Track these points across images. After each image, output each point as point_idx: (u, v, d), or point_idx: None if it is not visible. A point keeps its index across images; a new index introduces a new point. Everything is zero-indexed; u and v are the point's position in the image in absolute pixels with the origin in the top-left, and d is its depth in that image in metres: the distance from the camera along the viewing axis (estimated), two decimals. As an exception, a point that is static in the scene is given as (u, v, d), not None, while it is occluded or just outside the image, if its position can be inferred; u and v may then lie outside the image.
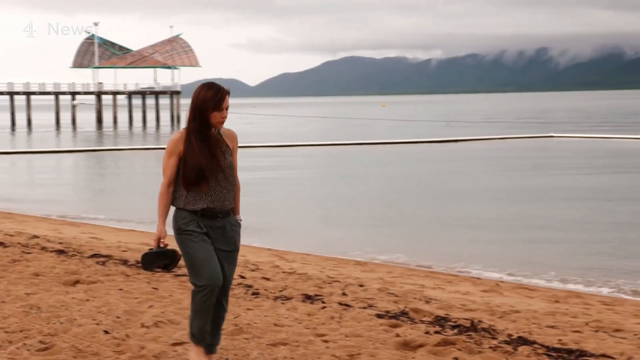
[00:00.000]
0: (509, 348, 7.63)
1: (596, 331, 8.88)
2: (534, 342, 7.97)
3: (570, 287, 13.08)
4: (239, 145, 6.45)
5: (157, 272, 6.49)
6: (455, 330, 8.33)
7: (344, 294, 10.37)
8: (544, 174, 31.81)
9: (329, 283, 11.26)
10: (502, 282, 13.10)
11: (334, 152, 46.44)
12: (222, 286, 6.14)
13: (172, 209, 6.13)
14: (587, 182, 28.37)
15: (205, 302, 6.02)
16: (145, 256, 6.09)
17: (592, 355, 7.58)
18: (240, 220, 6.20)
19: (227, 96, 5.96)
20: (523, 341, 8.00)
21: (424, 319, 8.90)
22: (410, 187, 28.68)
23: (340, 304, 9.58)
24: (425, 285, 12.00)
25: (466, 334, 8.18)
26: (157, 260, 6.04)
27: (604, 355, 7.57)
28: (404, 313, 9.15)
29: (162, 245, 6.03)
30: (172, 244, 6.10)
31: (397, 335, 7.88)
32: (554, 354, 7.54)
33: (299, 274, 12.19)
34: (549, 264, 14.77)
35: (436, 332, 8.11)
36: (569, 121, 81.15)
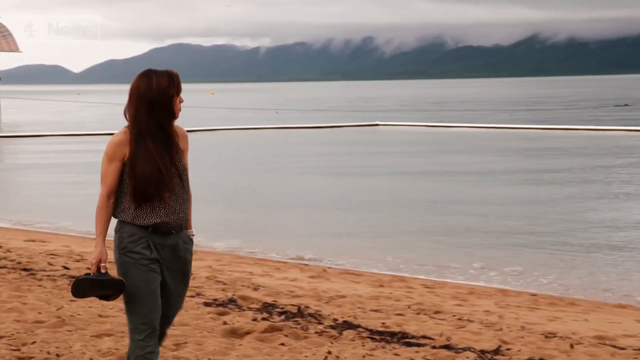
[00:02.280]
0: (334, 332, 7.78)
1: (418, 313, 9.17)
2: (358, 326, 8.15)
3: (395, 272, 13.40)
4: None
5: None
6: (283, 317, 8.42)
7: (171, 283, 10.28)
8: (371, 161, 32.49)
9: (156, 272, 11.14)
10: (329, 268, 13.30)
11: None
12: (164, 315, 5.13)
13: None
14: (411, 170, 29.15)
15: (145, 347, 4.99)
16: (81, 282, 4.92)
17: (413, 337, 7.82)
18: (193, 235, 5.32)
19: None
20: (348, 325, 8.17)
21: (251, 306, 8.94)
22: (240, 173, 28.69)
23: (167, 293, 9.49)
24: (253, 273, 12.05)
25: (293, 319, 8.28)
26: (97, 289, 4.91)
27: (424, 337, 7.83)
28: (231, 301, 9.17)
29: (102, 271, 4.92)
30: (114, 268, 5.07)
31: (225, 323, 7.90)
32: (377, 337, 7.74)
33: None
34: (375, 250, 15.10)
35: (263, 319, 8.17)
36: (393, 109, 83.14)
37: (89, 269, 5.15)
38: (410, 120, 59.14)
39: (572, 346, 7.70)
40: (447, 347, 7.46)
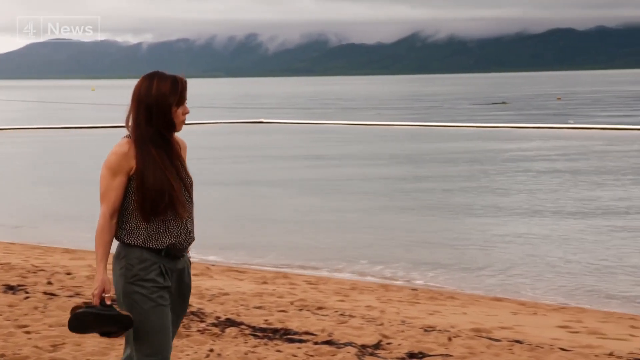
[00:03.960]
0: (216, 330, 7.76)
1: (300, 310, 9.22)
2: (241, 323, 8.15)
3: (278, 268, 13.42)
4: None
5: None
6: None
7: (49, 283, 10.08)
8: (256, 158, 32.49)
9: (34, 272, 10.90)
10: (212, 265, 13.24)
11: (42, 136, 44.84)
12: None
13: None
14: (295, 167, 29.27)
15: None
16: (82, 316, 4.27)
17: (295, 333, 7.87)
18: (190, 257, 4.71)
19: None
20: (231, 323, 8.16)
21: (132, 305, 8.83)
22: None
23: (45, 293, 9.31)
24: (135, 271, 11.89)
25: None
26: (100, 324, 4.27)
27: (306, 333, 7.88)
28: (112, 300, 9.03)
29: (107, 302, 4.31)
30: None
31: (105, 323, 7.77)
32: (259, 334, 7.75)
33: (1, 264, 11.69)
34: (260, 247, 15.10)
35: (145, 318, 8.08)
36: (277, 107, 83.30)
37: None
38: (294, 118, 59.38)
39: (450, 339, 7.87)
40: (328, 342, 7.52)
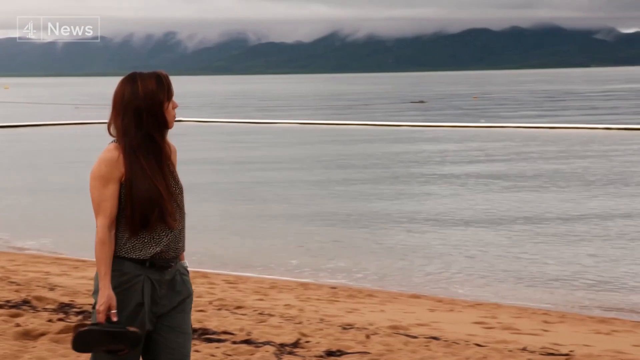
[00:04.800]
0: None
1: (219, 309, 9.19)
2: (158, 324, 8.07)
3: (199, 268, 13.33)
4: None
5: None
6: (80, 317, 8.23)
7: (-40, 286, 9.86)
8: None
9: (-55, 275, 10.66)
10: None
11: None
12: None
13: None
14: (214, 171, 29.15)
15: None
16: (88, 334, 4.00)
17: (214, 332, 7.84)
18: (187, 266, 4.41)
19: None
20: (148, 323, 8.09)
21: (47, 306, 8.70)
22: (43, 171, 27.80)
23: (-44, 296, 9.09)
24: (50, 272, 11.72)
25: (90, 319, 8.11)
26: (108, 342, 4.00)
27: (225, 332, 7.86)
28: (25, 302, 8.89)
29: (114, 319, 4.01)
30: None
31: (18, 325, 7.64)
32: (177, 334, 7.70)
33: None
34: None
35: (59, 320, 7.96)
36: (196, 105, 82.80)
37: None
38: (212, 116, 59.09)
39: (368, 337, 7.92)
40: (247, 341, 7.51)
